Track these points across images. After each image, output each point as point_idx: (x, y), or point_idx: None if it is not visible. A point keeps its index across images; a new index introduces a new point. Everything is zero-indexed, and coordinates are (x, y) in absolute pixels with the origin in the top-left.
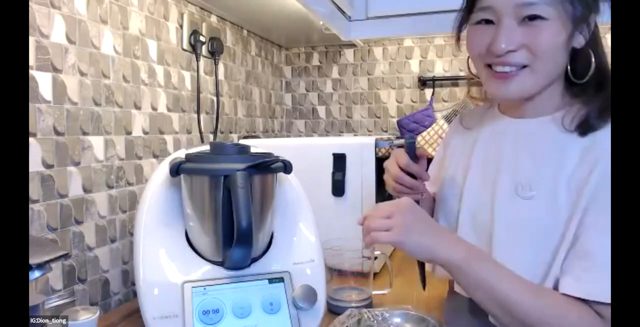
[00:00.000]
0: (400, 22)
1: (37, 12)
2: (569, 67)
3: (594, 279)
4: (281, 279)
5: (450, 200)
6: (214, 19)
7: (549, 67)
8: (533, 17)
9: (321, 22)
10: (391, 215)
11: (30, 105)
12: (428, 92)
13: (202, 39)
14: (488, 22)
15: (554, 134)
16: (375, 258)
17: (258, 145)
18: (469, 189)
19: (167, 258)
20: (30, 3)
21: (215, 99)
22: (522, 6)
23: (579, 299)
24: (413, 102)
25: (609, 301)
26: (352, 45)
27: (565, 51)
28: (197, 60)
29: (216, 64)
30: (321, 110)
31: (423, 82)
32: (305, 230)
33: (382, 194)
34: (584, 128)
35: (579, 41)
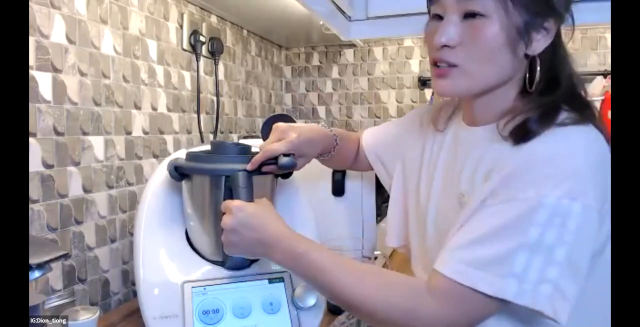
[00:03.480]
0: (400, 22)
1: (37, 12)
2: (527, 76)
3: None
4: (281, 279)
5: (413, 210)
6: (214, 19)
7: (483, 69)
8: (473, 14)
9: (321, 22)
10: (228, 229)
11: (30, 105)
12: (428, 92)
13: (202, 39)
14: (440, 17)
15: (491, 142)
16: (375, 258)
17: (258, 146)
18: (433, 199)
19: (167, 258)
20: (30, 3)
21: (215, 99)
22: (463, 0)
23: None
24: (413, 102)
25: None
26: (352, 45)
27: (508, 55)
28: (197, 60)
29: (216, 64)
30: (321, 111)
31: (423, 82)
32: (306, 230)
33: (382, 193)
34: (517, 135)
35: (534, 48)
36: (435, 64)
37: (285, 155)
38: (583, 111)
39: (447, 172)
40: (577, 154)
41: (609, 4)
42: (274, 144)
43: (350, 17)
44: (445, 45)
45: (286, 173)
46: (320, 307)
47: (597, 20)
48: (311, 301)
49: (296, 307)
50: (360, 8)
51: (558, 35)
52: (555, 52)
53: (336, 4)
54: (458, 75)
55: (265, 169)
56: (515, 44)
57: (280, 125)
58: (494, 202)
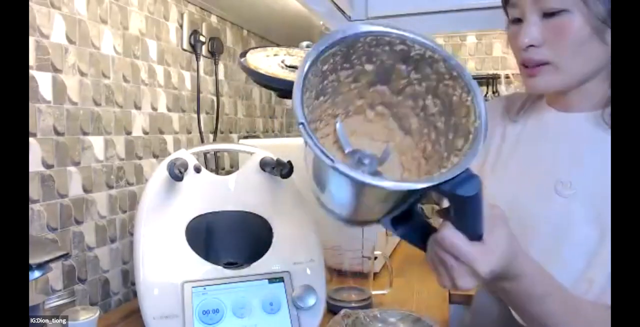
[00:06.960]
0: (400, 22)
1: (37, 12)
2: None
3: None
4: (281, 279)
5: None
6: (214, 19)
7: (576, 63)
8: (553, 11)
9: (321, 22)
10: None
11: (30, 105)
12: None
13: (202, 39)
14: (519, 20)
15: (596, 131)
16: (375, 258)
17: (258, 145)
18: (506, 186)
19: (167, 258)
20: (30, 3)
21: (215, 99)
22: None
23: None
24: None
25: None
26: None
27: (598, 45)
28: (197, 60)
29: (216, 64)
30: None
31: None
32: (306, 230)
33: None
34: None
35: None
36: (524, 65)
37: None
38: None
39: (525, 162)
40: None
41: None
42: None
43: (350, 17)
44: (530, 45)
45: (286, 172)
46: (320, 307)
47: None
48: (311, 301)
49: (296, 307)
50: (360, 8)
51: None
52: None
53: (336, 4)
54: (550, 72)
55: None
56: (602, 33)
57: None
58: None
